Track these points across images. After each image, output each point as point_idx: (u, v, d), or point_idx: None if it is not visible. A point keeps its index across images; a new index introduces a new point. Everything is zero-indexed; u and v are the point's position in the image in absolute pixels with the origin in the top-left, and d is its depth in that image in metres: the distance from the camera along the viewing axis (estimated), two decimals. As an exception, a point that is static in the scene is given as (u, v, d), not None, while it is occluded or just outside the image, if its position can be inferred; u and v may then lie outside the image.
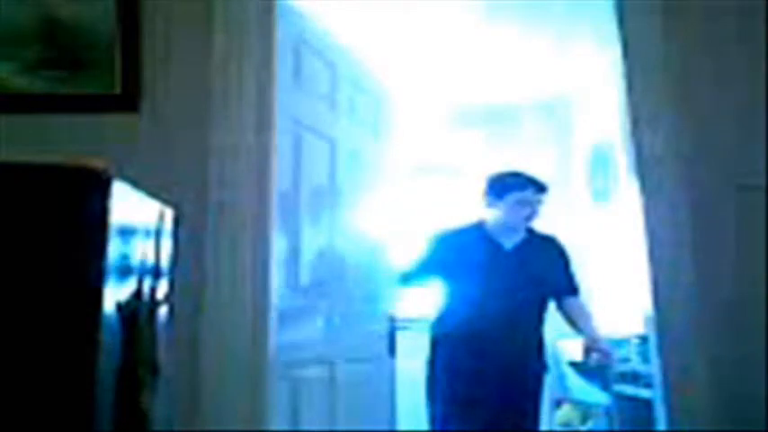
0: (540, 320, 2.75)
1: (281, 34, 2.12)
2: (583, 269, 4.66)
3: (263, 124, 2.03)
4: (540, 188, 2.71)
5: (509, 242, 2.73)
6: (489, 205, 2.76)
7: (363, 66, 2.76)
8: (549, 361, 3.03)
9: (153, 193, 1.43)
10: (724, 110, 1.99)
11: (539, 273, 2.71)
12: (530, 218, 2.72)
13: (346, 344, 2.47)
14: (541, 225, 2.94)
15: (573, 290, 2.83)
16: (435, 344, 2.78)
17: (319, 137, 2.35)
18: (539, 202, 2.72)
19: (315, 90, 2.38)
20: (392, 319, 2.72)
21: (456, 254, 2.72)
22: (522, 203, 2.69)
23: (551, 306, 2.88)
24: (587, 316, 2.78)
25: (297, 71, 2.26)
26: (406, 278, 2.74)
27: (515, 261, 2.71)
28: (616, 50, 2.13)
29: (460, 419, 2.56)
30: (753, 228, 1.92)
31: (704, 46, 2.03)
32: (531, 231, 2.79)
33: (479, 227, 2.80)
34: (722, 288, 1.89)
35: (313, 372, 2.24)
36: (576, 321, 2.75)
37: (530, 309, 2.70)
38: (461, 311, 2.68)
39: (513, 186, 2.71)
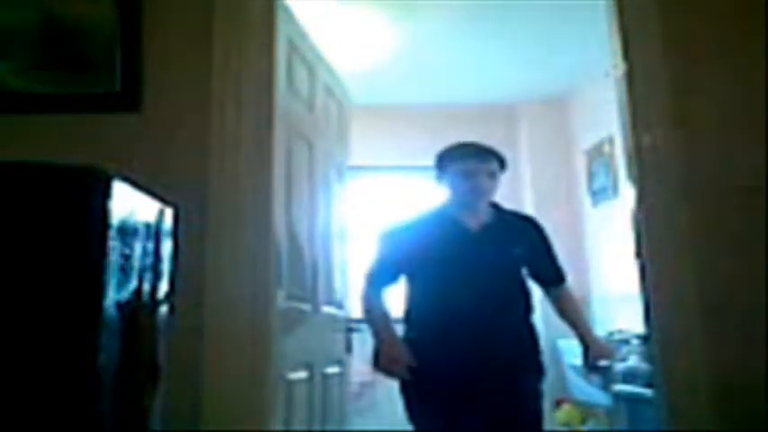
0: (527, 308, 2.32)
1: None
2: (583, 269, 4.69)
3: (263, 124, 2.03)
4: (481, 158, 2.30)
5: (474, 222, 2.30)
6: (438, 181, 2.39)
7: (334, 70, 2.79)
8: (548, 360, 2.97)
9: (153, 193, 1.43)
10: (724, 110, 1.99)
11: (514, 253, 2.31)
12: (476, 191, 2.29)
13: (322, 346, 2.53)
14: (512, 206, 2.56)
15: (560, 278, 2.46)
16: None
17: (300, 137, 2.36)
18: (485, 173, 2.29)
19: (298, 92, 2.39)
20: (348, 321, 2.80)
21: (415, 242, 2.29)
22: (463, 175, 2.29)
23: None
24: (577, 309, 2.47)
25: (289, 74, 2.27)
26: (372, 282, 2.33)
27: (485, 242, 2.28)
28: (616, 50, 2.13)
29: None
30: (752, 228, 1.92)
31: (703, 46, 2.03)
32: (499, 210, 2.40)
33: (439, 210, 2.38)
34: (722, 288, 1.89)
35: (300, 373, 2.26)
36: (565, 311, 2.42)
37: (511, 294, 2.28)
38: (430, 308, 2.25)
39: (454, 157, 2.33)
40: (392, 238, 2.35)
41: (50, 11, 2.01)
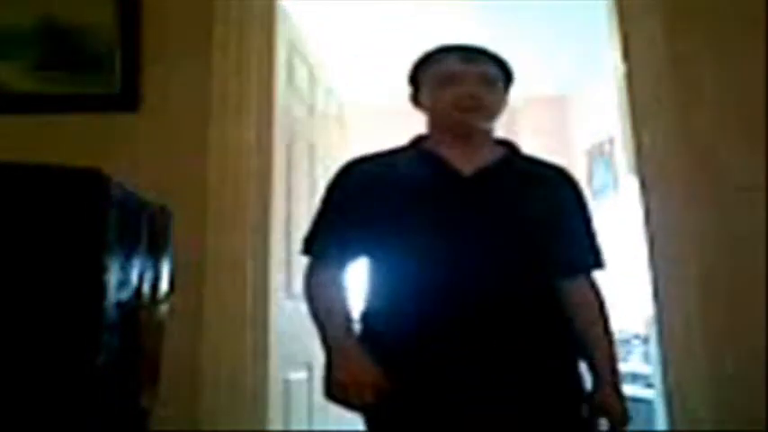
0: (550, 304, 1.44)
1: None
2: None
3: (263, 124, 2.03)
4: (467, 57, 1.49)
5: (467, 163, 1.45)
6: (414, 103, 1.59)
7: (334, 70, 2.80)
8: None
9: (153, 193, 1.43)
10: (723, 109, 1.99)
11: (530, 212, 1.44)
12: (464, 104, 1.45)
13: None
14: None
15: (591, 262, 1.52)
16: None
17: (300, 137, 2.36)
18: (477, 78, 1.46)
19: (298, 92, 2.39)
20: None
21: (380, 193, 1.43)
22: (445, 82, 1.47)
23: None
24: (599, 321, 1.47)
25: (289, 74, 2.27)
26: (321, 258, 1.48)
27: (482, 192, 1.43)
28: (616, 50, 2.13)
29: None
30: (752, 227, 1.92)
31: (703, 45, 2.03)
32: (512, 150, 1.56)
33: (416, 145, 1.56)
34: (722, 288, 1.89)
35: (300, 373, 2.25)
36: (583, 321, 1.45)
37: (527, 271, 1.41)
38: (397, 296, 1.41)
39: (430, 60, 1.53)
40: (348, 189, 1.50)
41: (51, 12, 2.01)
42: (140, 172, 1.48)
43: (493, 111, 1.51)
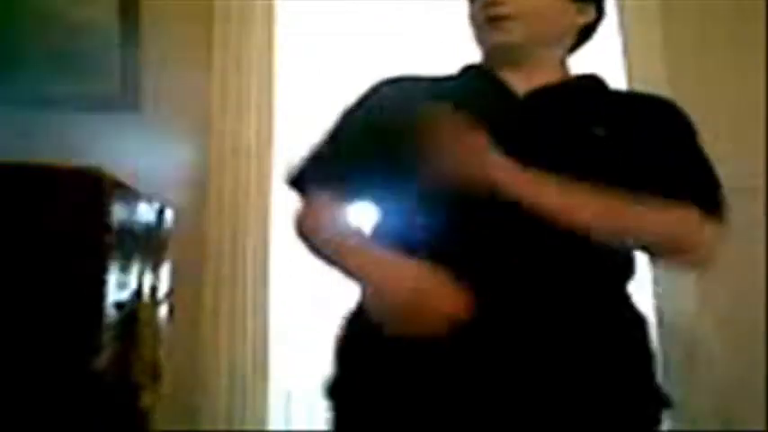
0: (621, 264, 1.08)
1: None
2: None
3: (263, 124, 2.03)
4: None
5: (524, 83, 1.05)
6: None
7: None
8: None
9: (153, 193, 1.43)
10: (722, 111, 1.99)
11: (602, 142, 1.01)
12: (487, 17, 1.02)
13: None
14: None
15: (706, 201, 1.02)
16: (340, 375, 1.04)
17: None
18: None
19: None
20: None
21: (407, 112, 0.94)
22: None
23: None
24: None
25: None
26: (304, 183, 1.07)
27: (541, 117, 1.03)
28: (616, 51, 2.13)
29: None
30: (751, 229, 1.92)
31: (703, 48, 2.03)
32: (594, 79, 1.15)
33: (473, 65, 1.12)
34: (722, 289, 1.89)
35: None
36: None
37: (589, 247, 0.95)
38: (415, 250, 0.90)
39: None
40: (368, 110, 1.08)
41: (51, 12, 2.01)
42: (140, 172, 1.48)
43: (533, 20, 1.03)
